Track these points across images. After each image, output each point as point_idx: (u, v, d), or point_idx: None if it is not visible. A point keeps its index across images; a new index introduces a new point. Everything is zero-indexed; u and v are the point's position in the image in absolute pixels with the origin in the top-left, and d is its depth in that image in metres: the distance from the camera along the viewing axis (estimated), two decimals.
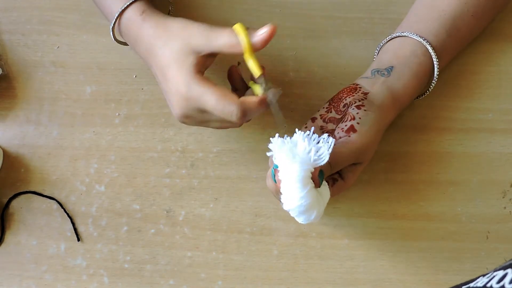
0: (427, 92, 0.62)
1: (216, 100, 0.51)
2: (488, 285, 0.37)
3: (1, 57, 0.67)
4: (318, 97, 0.65)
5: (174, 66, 0.53)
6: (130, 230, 0.64)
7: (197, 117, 0.55)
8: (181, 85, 0.53)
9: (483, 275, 0.40)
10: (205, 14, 0.68)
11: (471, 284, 0.39)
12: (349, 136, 0.54)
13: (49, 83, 0.67)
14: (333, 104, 0.58)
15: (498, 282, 0.36)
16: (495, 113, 0.65)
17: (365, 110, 0.55)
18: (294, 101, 0.66)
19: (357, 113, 0.55)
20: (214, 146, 0.65)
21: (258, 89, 0.53)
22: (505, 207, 0.63)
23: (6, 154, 0.65)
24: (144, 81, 0.67)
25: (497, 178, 0.64)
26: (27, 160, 0.65)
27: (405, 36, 0.60)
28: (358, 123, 0.55)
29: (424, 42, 0.59)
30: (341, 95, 0.58)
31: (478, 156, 0.64)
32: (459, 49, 0.64)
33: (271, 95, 0.53)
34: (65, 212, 0.64)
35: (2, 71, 0.67)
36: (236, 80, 0.57)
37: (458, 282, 0.43)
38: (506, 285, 0.35)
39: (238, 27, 0.52)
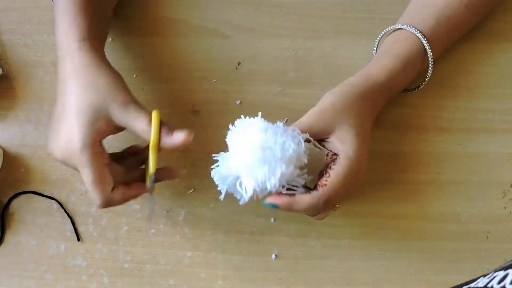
0: (426, 79, 0.62)
1: (90, 181, 0.52)
2: (489, 285, 0.37)
3: (1, 57, 0.67)
4: (318, 97, 0.65)
5: (79, 120, 0.51)
6: (130, 230, 0.64)
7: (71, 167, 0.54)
8: (74, 142, 0.51)
9: (484, 275, 0.40)
10: (205, 14, 0.68)
11: (472, 284, 0.40)
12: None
13: (49, 83, 0.67)
14: None
15: (499, 282, 0.36)
16: (495, 113, 0.65)
17: (326, 93, 0.57)
18: (294, 101, 0.66)
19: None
20: (214, 146, 0.65)
21: (147, 180, 0.55)
22: (505, 207, 0.63)
23: (6, 154, 0.65)
24: (144, 81, 0.67)
25: (497, 178, 0.64)
26: (27, 160, 0.65)
27: (392, 30, 0.61)
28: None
29: (404, 26, 0.59)
30: None
31: (478, 156, 0.64)
32: (452, 38, 0.63)
33: (151, 198, 0.57)
34: (65, 212, 0.64)
35: (2, 71, 0.67)
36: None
37: (458, 282, 0.43)
38: (507, 285, 0.35)
39: (154, 118, 0.52)
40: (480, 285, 0.38)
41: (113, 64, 0.66)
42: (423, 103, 0.65)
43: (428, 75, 0.61)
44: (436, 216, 0.63)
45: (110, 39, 0.68)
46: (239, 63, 0.66)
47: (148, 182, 0.55)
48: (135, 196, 0.55)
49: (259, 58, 0.67)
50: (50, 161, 0.65)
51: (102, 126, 0.52)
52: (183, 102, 0.66)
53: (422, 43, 0.59)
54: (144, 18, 0.68)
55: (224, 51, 0.67)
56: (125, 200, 0.55)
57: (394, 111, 0.64)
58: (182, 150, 0.65)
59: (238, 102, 0.66)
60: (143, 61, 0.67)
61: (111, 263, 0.63)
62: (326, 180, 0.52)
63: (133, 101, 0.53)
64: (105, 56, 0.57)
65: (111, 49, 0.67)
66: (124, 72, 0.66)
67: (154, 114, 0.52)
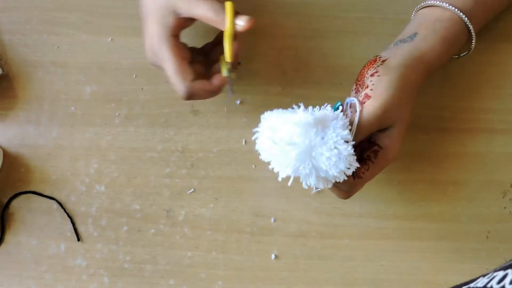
0: (469, 51, 0.62)
1: (172, 72, 0.55)
2: (489, 285, 0.37)
3: (1, 57, 0.67)
4: (318, 97, 0.65)
5: (153, 19, 0.55)
6: (130, 230, 0.64)
7: (158, 67, 0.58)
8: (154, 40, 0.55)
9: (483, 276, 0.40)
10: None
11: (471, 284, 0.40)
12: (364, 103, 0.53)
13: (49, 83, 0.67)
14: (359, 82, 0.57)
15: (499, 282, 0.36)
16: (495, 113, 0.65)
17: (378, 76, 0.54)
18: (294, 101, 0.65)
19: (371, 81, 0.54)
20: (214, 146, 0.65)
21: (224, 70, 0.57)
22: (505, 207, 0.63)
23: (6, 154, 0.65)
24: (144, 81, 0.67)
25: (497, 178, 0.64)
26: (27, 160, 0.65)
27: (430, 6, 0.60)
28: (371, 89, 0.53)
29: (449, 6, 0.58)
30: (363, 70, 0.57)
31: (478, 156, 0.64)
32: (488, 16, 0.62)
33: (231, 83, 0.59)
34: (65, 212, 0.64)
35: (2, 71, 0.67)
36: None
37: (458, 282, 0.43)
38: (507, 285, 0.35)
39: (228, 7, 0.54)
40: (479, 285, 0.38)
41: (113, 64, 0.67)
42: (423, 103, 0.65)
43: (471, 47, 0.61)
44: (436, 216, 0.63)
45: (110, 39, 0.68)
46: (239, 63, 0.66)
47: (225, 72, 0.57)
48: (216, 88, 0.57)
49: (259, 58, 0.67)
50: (50, 161, 0.65)
51: (174, 22, 0.55)
52: (183, 102, 0.66)
53: (463, 22, 0.58)
54: None
55: None
56: (207, 92, 0.57)
57: None
58: (182, 150, 0.65)
59: (238, 102, 0.66)
60: (143, 61, 0.67)
61: (111, 263, 0.63)
62: (363, 173, 0.54)
63: None
64: None
65: (111, 49, 0.67)
66: (124, 72, 0.67)
67: (228, 4, 0.54)
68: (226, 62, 0.56)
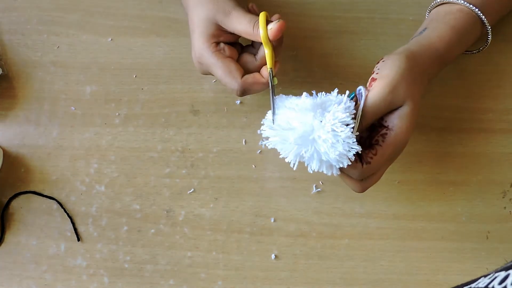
0: (486, 43, 0.62)
1: (221, 74, 0.57)
2: (490, 285, 0.37)
3: (1, 57, 0.67)
4: None
5: (197, 30, 0.58)
6: (130, 230, 0.64)
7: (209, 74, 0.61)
8: (197, 49, 0.58)
9: (484, 276, 0.40)
10: None
11: (473, 285, 0.39)
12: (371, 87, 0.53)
13: (49, 83, 0.67)
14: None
15: (500, 283, 0.36)
16: (495, 113, 0.65)
17: (383, 61, 0.54)
18: None
19: (376, 67, 0.54)
20: (214, 146, 0.65)
21: (269, 71, 0.57)
22: (505, 207, 0.63)
23: (6, 154, 0.65)
24: (144, 81, 0.67)
25: (497, 178, 0.64)
26: (27, 160, 0.65)
27: (440, 4, 0.60)
28: (377, 73, 0.53)
29: (458, 1, 0.58)
30: None
31: (478, 156, 0.64)
32: (503, 10, 0.63)
33: (273, 86, 0.57)
34: (65, 212, 0.64)
35: (2, 71, 0.66)
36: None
37: (458, 282, 0.43)
38: (508, 286, 0.35)
39: (261, 18, 0.56)
40: (481, 285, 0.38)
41: (113, 64, 0.67)
42: (423, 103, 0.65)
43: (488, 40, 0.61)
44: (436, 216, 0.63)
45: (110, 39, 0.68)
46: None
47: (269, 75, 0.58)
48: (268, 79, 0.58)
49: None
50: (50, 161, 0.65)
51: (215, 31, 0.58)
52: (183, 102, 0.66)
53: (475, 13, 0.59)
54: (144, 18, 0.68)
55: None
56: (259, 84, 0.58)
57: None
58: (182, 150, 0.65)
59: (238, 102, 0.66)
60: (143, 61, 0.67)
61: (111, 263, 0.63)
62: (371, 158, 0.52)
63: (234, 9, 0.58)
64: None
65: (111, 49, 0.67)
66: (124, 72, 0.67)
67: (262, 14, 0.56)
68: (268, 68, 0.57)
